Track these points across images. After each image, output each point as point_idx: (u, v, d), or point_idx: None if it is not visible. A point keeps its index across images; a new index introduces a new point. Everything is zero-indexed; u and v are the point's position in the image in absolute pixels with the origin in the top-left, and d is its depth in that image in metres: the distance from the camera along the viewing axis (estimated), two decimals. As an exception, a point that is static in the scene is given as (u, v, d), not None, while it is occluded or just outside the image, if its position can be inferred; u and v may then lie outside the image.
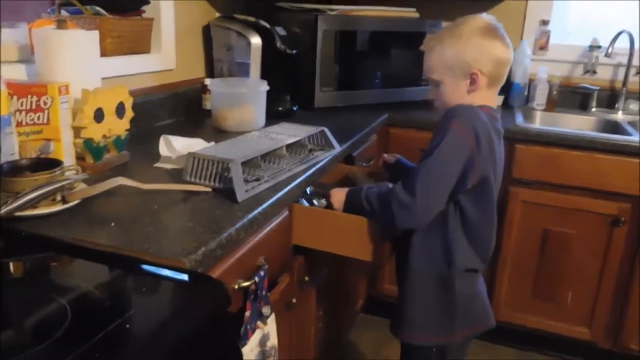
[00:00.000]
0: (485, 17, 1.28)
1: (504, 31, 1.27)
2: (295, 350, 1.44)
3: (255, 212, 1.08)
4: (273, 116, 1.81)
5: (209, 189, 1.16)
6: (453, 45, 1.25)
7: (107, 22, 1.57)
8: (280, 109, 1.90)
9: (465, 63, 1.25)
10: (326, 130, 1.52)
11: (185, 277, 0.82)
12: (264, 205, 1.11)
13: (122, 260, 0.87)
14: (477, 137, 1.21)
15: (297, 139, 1.41)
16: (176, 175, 1.25)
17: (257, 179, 1.21)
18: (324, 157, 1.45)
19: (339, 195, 1.35)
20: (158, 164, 1.35)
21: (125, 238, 0.93)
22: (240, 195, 1.11)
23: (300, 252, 1.40)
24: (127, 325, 0.69)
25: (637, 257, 1.98)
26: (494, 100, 1.32)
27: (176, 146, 1.34)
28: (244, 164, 1.18)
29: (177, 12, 1.82)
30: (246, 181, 1.17)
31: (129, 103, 1.36)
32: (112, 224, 0.98)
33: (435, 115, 1.35)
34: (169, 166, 1.33)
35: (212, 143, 1.37)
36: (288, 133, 1.46)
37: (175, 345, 0.69)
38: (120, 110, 1.34)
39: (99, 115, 1.26)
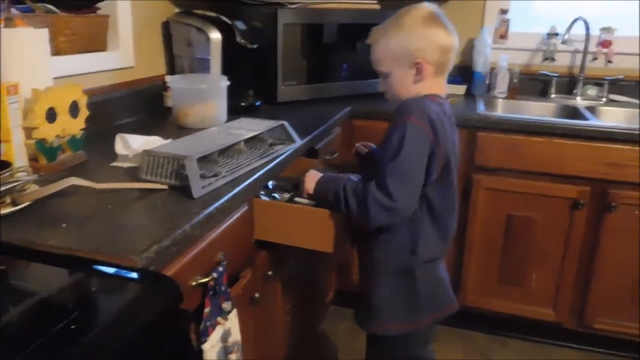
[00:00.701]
0: (427, 6, 1.29)
1: (446, 18, 1.29)
2: (263, 345, 1.44)
3: (212, 208, 1.07)
4: (236, 111, 1.80)
5: (165, 187, 1.16)
6: (397, 36, 1.26)
7: (59, 19, 1.54)
8: (243, 104, 1.89)
9: (409, 53, 1.26)
10: (286, 124, 1.52)
11: (135, 275, 0.81)
12: (221, 201, 1.11)
13: (73, 261, 0.86)
14: (434, 126, 1.23)
15: (256, 133, 1.41)
16: (133, 174, 1.23)
17: (215, 175, 1.20)
18: (284, 151, 1.45)
19: (312, 178, 1.33)
20: (115, 163, 1.33)
21: (76, 238, 0.92)
22: (197, 192, 1.10)
23: (265, 246, 1.40)
24: (73, 326, 0.68)
25: (598, 238, 2.03)
26: (443, 88, 1.34)
27: (133, 144, 1.32)
28: (201, 160, 1.18)
29: (134, 9, 1.80)
30: (203, 177, 1.16)
31: (83, 102, 1.34)
32: (64, 224, 0.97)
33: (391, 104, 1.36)
34: (126, 165, 1.31)
35: (170, 140, 1.36)
36: (247, 128, 1.45)
37: (125, 344, 0.69)
38: (74, 110, 1.32)
39: (51, 115, 1.24)
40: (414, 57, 1.26)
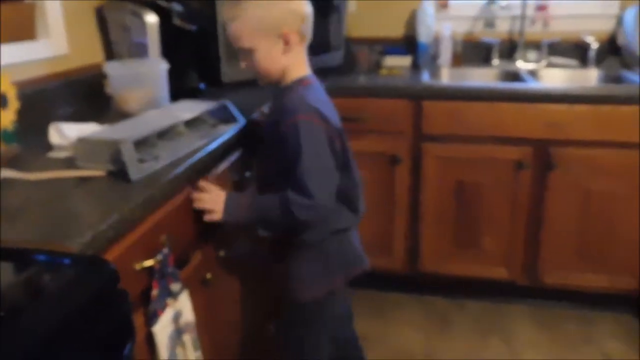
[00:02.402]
0: None
1: None
2: (220, 325, 1.44)
3: (151, 190, 1.06)
4: (179, 95, 1.76)
5: (102, 173, 1.14)
6: (259, 9, 1.26)
7: (-18, 10, 1.48)
8: (186, 87, 1.87)
9: (275, 24, 1.26)
10: (227, 103, 1.51)
11: (67, 260, 0.80)
12: (161, 183, 1.10)
13: (5, 253, 0.84)
14: (320, 114, 1.26)
15: (195, 114, 1.39)
16: (71, 164, 1.21)
17: (155, 158, 1.19)
18: (225, 131, 1.44)
19: (218, 204, 1.28)
20: (52, 154, 1.30)
21: (10, 231, 0.90)
22: (134, 175, 1.09)
23: (216, 227, 1.40)
24: (1, 313, 0.67)
25: (543, 196, 2.10)
26: (305, 58, 1.36)
27: (68, 133, 1.30)
28: (138, 144, 1.16)
29: (64, -4, 1.74)
30: (141, 161, 1.15)
31: (12, 93, 1.30)
32: (-5, 218, 0.95)
33: (260, 82, 1.36)
34: (62, 155, 1.29)
35: (106, 126, 1.34)
36: (187, 110, 1.43)
37: (59, 328, 0.69)
38: (2, 101, 1.28)
39: (-22, 108, 1.21)
40: (280, 28, 1.26)
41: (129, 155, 1.10)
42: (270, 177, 1.38)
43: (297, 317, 1.44)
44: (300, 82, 1.32)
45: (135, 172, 1.10)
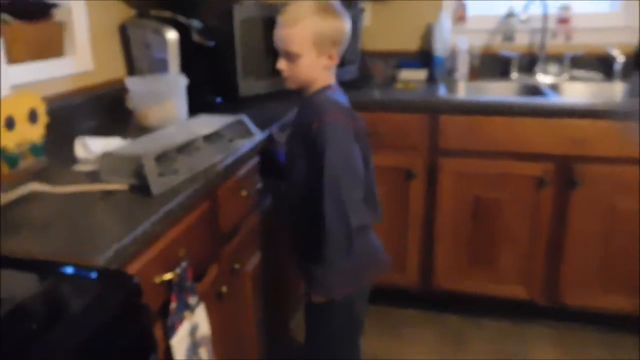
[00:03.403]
0: None
1: None
2: (234, 338, 1.45)
3: (171, 204, 1.08)
4: (197, 109, 1.79)
5: (124, 187, 1.16)
6: (319, 23, 1.31)
7: (13, 28, 1.53)
8: (203, 101, 1.90)
9: (328, 42, 1.33)
10: (244, 118, 1.53)
11: (94, 274, 0.82)
12: (180, 197, 1.12)
13: (33, 264, 0.87)
14: (345, 110, 1.35)
15: (213, 129, 1.41)
16: (95, 177, 1.24)
17: (175, 172, 1.21)
18: (242, 145, 1.46)
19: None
20: (77, 167, 1.33)
21: (37, 243, 0.93)
22: (155, 189, 1.11)
23: (231, 240, 1.42)
24: (34, 326, 0.69)
25: (565, 214, 2.07)
26: (334, 71, 1.43)
27: (93, 147, 1.33)
28: (158, 158, 1.19)
29: (90, 14, 1.79)
30: (161, 175, 1.17)
31: (42, 109, 1.34)
32: (25, 230, 0.97)
33: (285, 86, 1.43)
34: (87, 168, 1.32)
35: (128, 141, 1.37)
36: (206, 125, 1.46)
37: (84, 341, 0.71)
38: (33, 117, 1.32)
39: (9, 123, 1.25)
40: (331, 45, 1.33)
41: (151, 170, 1.12)
42: (304, 189, 1.39)
43: (321, 317, 1.47)
44: (326, 88, 1.40)
45: (157, 186, 1.12)
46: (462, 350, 2.15)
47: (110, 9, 1.92)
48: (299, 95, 2.08)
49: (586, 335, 2.19)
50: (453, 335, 2.23)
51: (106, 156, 1.21)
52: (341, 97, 1.40)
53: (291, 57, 1.34)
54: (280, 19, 1.35)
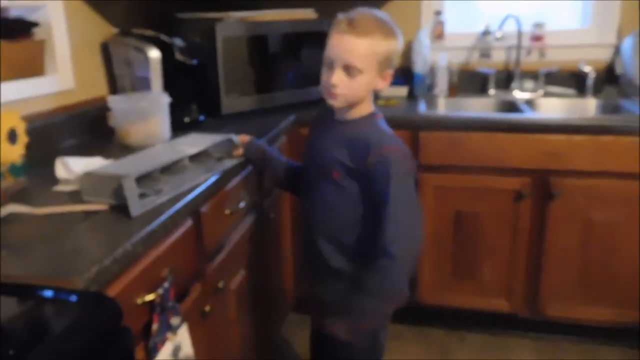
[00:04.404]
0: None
1: None
2: (218, 357, 1.45)
3: (153, 225, 1.08)
4: (180, 127, 1.81)
5: (105, 207, 1.16)
6: (387, 39, 1.25)
7: (-7, 47, 1.52)
8: (186, 119, 1.91)
9: (390, 63, 1.28)
10: (233, 137, 1.53)
11: (74, 297, 0.82)
12: (162, 218, 1.12)
13: (12, 288, 0.86)
14: (404, 147, 1.29)
15: (200, 149, 1.42)
16: (76, 197, 1.24)
17: (157, 192, 1.21)
18: (229, 165, 1.47)
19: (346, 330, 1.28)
20: (57, 188, 1.33)
21: (16, 265, 0.92)
22: (135, 211, 1.11)
23: (214, 259, 1.42)
24: (11, 352, 0.69)
25: (544, 226, 2.10)
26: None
27: (73, 167, 1.33)
28: (142, 178, 1.19)
29: (71, 32, 1.79)
30: (143, 195, 1.17)
31: (21, 128, 1.34)
32: (3, 252, 0.97)
33: (330, 103, 1.31)
34: (68, 188, 1.31)
35: (111, 160, 1.37)
36: (193, 144, 1.46)
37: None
38: (12, 136, 1.31)
39: (-12, 144, 1.24)
40: (390, 67, 1.28)
41: (131, 191, 1.12)
42: (350, 219, 1.33)
43: (344, 349, 1.36)
44: (374, 115, 1.34)
45: (136, 207, 1.12)
46: (447, 363, 2.16)
47: (91, 27, 1.92)
48: (285, 112, 2.11)
49: (567, 346, 2.23)
50: (438, 349, 2.24)
51: (87, 176, 1.21)
52: (384, 122, 1.35)
53: (352, 71, 1.23)
54: (346, 28, 1.22)
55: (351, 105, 1.31)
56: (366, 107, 1.34)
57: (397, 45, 1.28)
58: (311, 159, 1.39)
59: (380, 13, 1.28)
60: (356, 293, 1.27)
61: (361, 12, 1.26)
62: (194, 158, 1.41)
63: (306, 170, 1.43)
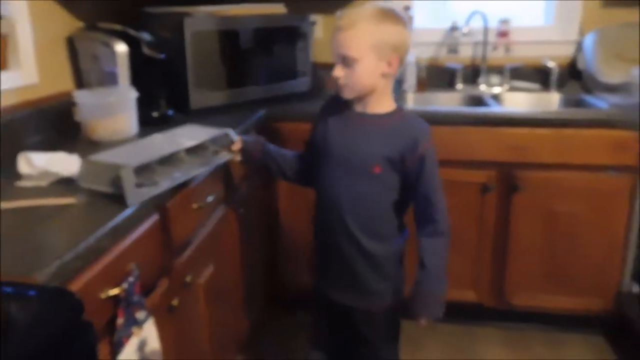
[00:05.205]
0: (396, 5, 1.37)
1: None
2: (188, 352, 1.45)
3: (117, 219, 1.08)
4: (148, 122, 1.81)
5: (73, 201, 1.16)
6: (378, 27, 1.28)
7: (-48, 41, 1.50)
8: (155, 114, 1.89)
9: (389, 47, 1.29)
10: (230, 131, 1.54)
11: (33, 292, 0.82)
12: (127, 212, 1.12)
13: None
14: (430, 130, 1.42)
15: (196, 142, 1.42)
16: (39, 192, 1.23)
17: (154, 184, 1.23)
18: (225, 158, 1.50)
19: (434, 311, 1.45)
20: (20, 183, 1.31)
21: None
22: (131, 200, 1.14)
23: (183, 253, 1.42)
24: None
25: (509, 218, 2.15)
26: (392, 88, 1.41)
27: (37, 163, 1.31)
28: (139, 168, 1.21)
29: (35, 26, 1.76)
30: (140, 185, 1.18)
31: (-19, 124, 1.32)
32: (-39, 249, 0.96)
33: (342, 95, 1.38)
34: (31, 184, 1.30)
35: (76, 155, 1.35)
36: (191, 135, 1.46)
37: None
38: (-28, 132, 1.29)
39: (-53, 140, 1.22)
40: (391, 51, 1.29)
41: (128, 181, 1.14)
42: (384, 207, 1.43)
43: (393, 319, 1.56)
44: (402, 109, 1.44)
45: (133, 197, 1.14)
46: (418, 354, 2.20)
47: (56, 22, 1.89)
48: (256, 107, 2.11)
49: (532, 334, 2.29)
50: (409, 340, 2.26)
51: (87, 162, 1.23)
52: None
53: (348, 62, 1.29)
54: (338, 23, 1.31)
55: (364, 95, 1.36)
56: (390, 100, 1.40)
57: (395, 29, 1.29)
58: (342, 155, 1.41)
59: (378, 4, 1.32)
60: (430, 274, 1.44)
61: (353, 7, 1.34)
62: (190, 150, 1.41)
63: (328, 165, 1.44)
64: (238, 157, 1.56)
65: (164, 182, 1.26)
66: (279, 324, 2.35)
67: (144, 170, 1.24)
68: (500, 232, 2.18)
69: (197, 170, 1.37)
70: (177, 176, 1.30)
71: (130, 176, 1.15)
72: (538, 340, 2.26)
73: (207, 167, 1.40)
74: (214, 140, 1.50)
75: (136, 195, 1.16)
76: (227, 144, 1.53)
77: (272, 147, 1.61)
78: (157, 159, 1.28)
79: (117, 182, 1.16)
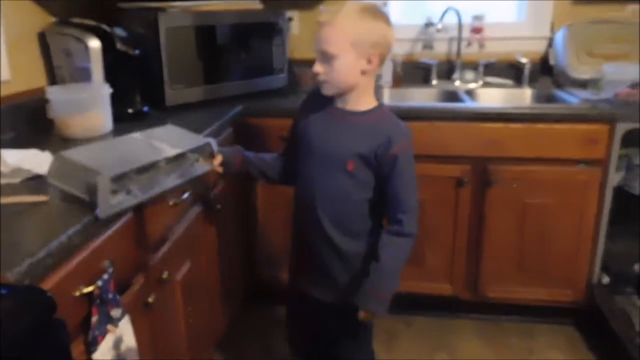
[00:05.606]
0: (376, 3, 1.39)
1: None
2: (164, 349, 1.45)
3: (91, 216, 1.08)
4: (123, 119, 1.80)
5: (45, 199, 1.15)
6: (358, 23, 1.28)
7: None
8: (130, 110, 1.88)
9: (368, 43, 1.29)
10: (212, 142, 1.47)
11: (4, 290, 0.81)
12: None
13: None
14: (409, 130, 1.44)
15: (178, 151, 1.34)
16: (12, 190, 1.22)
17: (128, 192, 1.19)
18: (202, 170, 1.44)
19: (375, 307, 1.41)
20: (-9, 181, 1.30)
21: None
22: (103, 212, 1.10)
23: (159, 249, 1.42)
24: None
25: (483, 212, 2.19)
26: (373, 86, 1.43)
27: (9, 160, 1.30)
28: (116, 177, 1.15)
29: (5, 21, 1.73)
30: (115, 192, 1.15)
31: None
32: None
33: (322, 89, 1.37)
34: (3, 181, 1.28)
35: (47, 152, 1.34)
36: (170, 141, 1.38)
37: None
38: (-59, 130, 1.27)
39: None
40: (370, 48, 1.29)
41: (104, 192, 1.09)
42: (357, 204, 1.43)
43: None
44: (383, 107, 1.44)
45: (105, 210, 1.10)
46: (394, 347, 2.22)
47: (27, 16, 1.86)
48: (232, 103, 2.11)
49: (507, 326, 2.34)
50: (385, 333, 2.30)
51: (59, 159, 1.19)
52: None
53: (327, 58, 1.29)
54: (319, 19, 1.31)
55: (344, 92, 1.37)
56: (370, 98, 1.41)
57: (375, 26, 1.30)
58: (319, 149, 1.42)
59: (361, 2, 1.33)
60: (380, 269, 1.40)
61: (334, 3, 1.33)
62: (170, 158, 1.34)
63: (307, 159, 1.44)
64: (219, 169, 1.51)
65: (139, 193, 1.21)
66: (256, 319, 2.36)
67: (120, 177, 1.18)
68: (475, 225, 2.22)
69: (175, 182, 1.32)
70: (154, 190, 1.25)
71: (107, 186, 1.10)
72: (512, 331, 2.30)
73: (185, 179, 1.36)
74: (195, 150, 1.44)
75: (108, 208, 1.11)
76: (207, 153, 1.48)
77: (250, 154, 1.59)
78: (136, 168, 1.22)
79: (91, 189, 1.10)
